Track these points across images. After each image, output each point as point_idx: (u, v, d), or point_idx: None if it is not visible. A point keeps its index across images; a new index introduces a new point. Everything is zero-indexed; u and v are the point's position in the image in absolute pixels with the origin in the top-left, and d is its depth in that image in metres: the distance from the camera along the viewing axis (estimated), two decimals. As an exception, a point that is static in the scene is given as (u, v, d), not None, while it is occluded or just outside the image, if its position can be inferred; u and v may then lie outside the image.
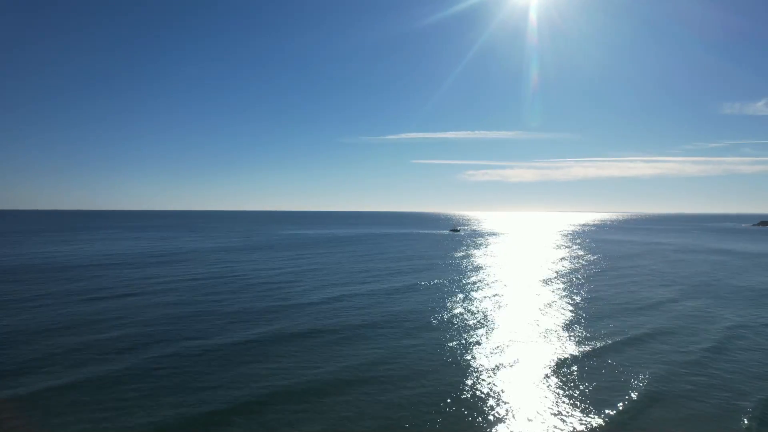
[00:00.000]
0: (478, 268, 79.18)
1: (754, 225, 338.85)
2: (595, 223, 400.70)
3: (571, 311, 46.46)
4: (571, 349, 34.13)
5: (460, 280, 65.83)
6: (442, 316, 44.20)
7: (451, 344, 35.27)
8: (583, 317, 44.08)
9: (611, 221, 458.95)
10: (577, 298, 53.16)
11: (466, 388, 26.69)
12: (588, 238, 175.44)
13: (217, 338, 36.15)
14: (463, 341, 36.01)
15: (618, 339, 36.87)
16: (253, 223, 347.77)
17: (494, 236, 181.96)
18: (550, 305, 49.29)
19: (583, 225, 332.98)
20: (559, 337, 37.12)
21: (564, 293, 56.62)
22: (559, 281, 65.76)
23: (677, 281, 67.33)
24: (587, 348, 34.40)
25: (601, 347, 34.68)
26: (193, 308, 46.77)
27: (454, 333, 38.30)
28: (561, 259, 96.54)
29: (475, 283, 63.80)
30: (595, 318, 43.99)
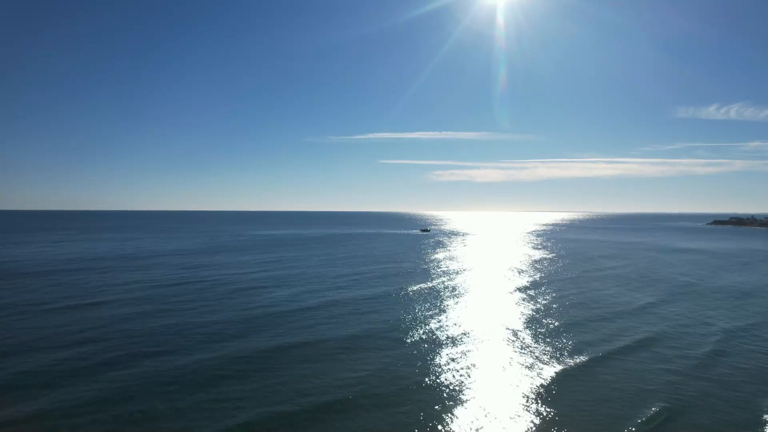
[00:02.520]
0: (453, 272, 78.68)
1: (707, 224, 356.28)
2: (561, 222, 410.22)
3: (553, 318, 45.42)
4: (551, 358, 32.80)
5: (435, 287, 64.96)
6: (421, 328, 40.69)
7: (426, 360, 32.08)
8: (567, 323, 42.59)
9: (576, 220, 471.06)
10: (557, 304, 53.13)
11: (443, 404, 25.04)
12: (556, 237, 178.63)
13: (172, 357, 32.32)
14: (442, 357, 32.81)
15: (604, 346, 35.60)
16: (218, 223, 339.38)
17: (464, 236, 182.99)
18: (529, 311, 48.97)
19: (550, 224, 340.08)
20: (538, 345, 35.62)
21: (543, 298, 56.59)
22: (535, 285, 65.83)
23: (651, 282, 68.55)
24: (570, 357, 32.96)
25: (586, 353, 33.84)
26: (149, 321, 42.51)
27: (430, 348, 35.43)
28: (534, 261, 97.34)
29: (451, 288, 63.10)
30: (580, 323, 42.85)
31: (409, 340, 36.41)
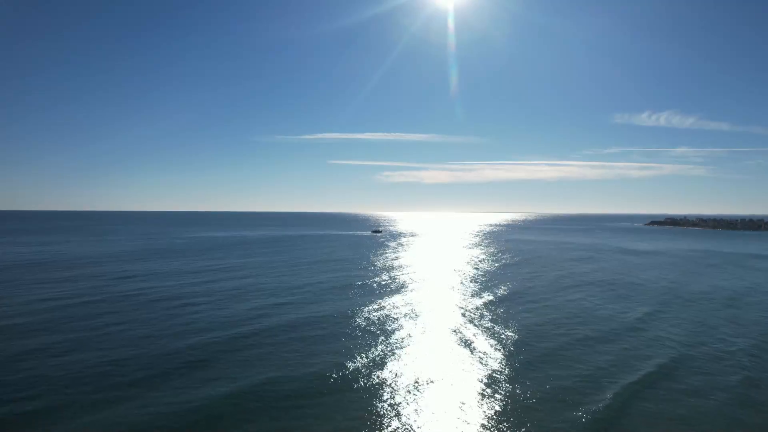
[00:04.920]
0: (407, 276, 71.95)
1: (645, 224, 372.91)
2: (507, 222, 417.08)
3: (504, 321, 40.46)
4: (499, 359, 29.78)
5: (389, 293, 57.86)
6: (383, 338, 35.86)
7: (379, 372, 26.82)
8: (513, 323, 39.31)
9: (522, 221, 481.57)
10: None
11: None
12: (510, 239, 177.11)
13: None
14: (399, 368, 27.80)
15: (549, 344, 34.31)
16: (155, 225, 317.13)
17: (414, 237, 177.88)
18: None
19: (499, 225, 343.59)
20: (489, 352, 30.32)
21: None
22: (488, 288, 60.10)
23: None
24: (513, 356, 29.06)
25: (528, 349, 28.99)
26: (64, 338, 34.06)
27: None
28: (499, 267, 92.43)
29: (405, 292, 56.26)
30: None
31: (361, 381, 29.05)
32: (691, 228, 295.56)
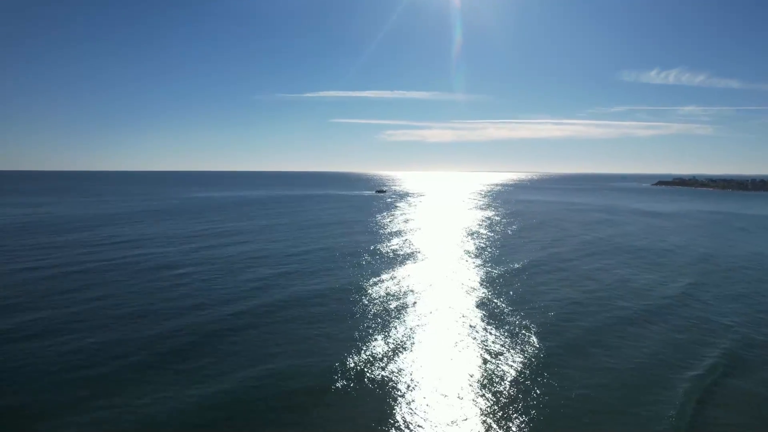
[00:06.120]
0: (419, 242, 66.95)
1: (653, 184, 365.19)
2: (512, 182, 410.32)
3: (520, 291, 35.46)
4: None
5: (402, 261, 52.88)
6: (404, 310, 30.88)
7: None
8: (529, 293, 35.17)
9: (526, 181, 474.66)
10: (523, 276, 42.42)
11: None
12: (512, 199, 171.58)
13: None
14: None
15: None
16: (154, 184, 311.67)
17: (421, 197, 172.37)
18: (502, 286, 37.90)
19: (502, 185, 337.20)
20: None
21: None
22: (509, 255, 54.99)
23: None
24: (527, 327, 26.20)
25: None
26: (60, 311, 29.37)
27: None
28: (500, 225, 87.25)
29: (418, 260, 51.23)
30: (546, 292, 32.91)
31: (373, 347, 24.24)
32: (700, 188, 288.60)
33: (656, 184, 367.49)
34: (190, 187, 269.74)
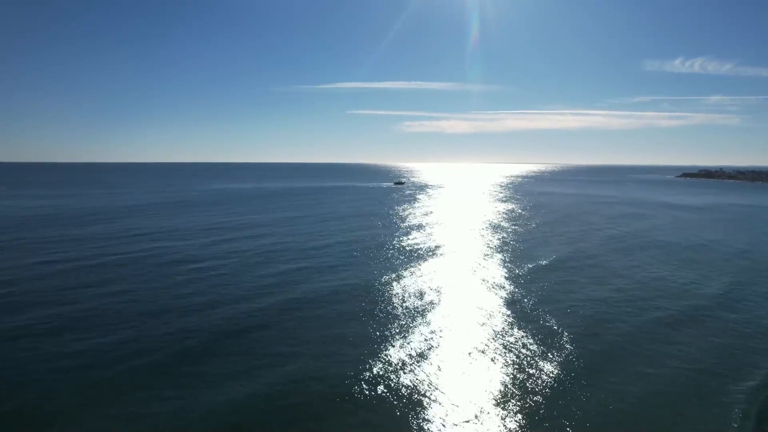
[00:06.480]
0: (442, 236, 65.17)
1: (677, 176, 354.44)
2: (532, 174, 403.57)
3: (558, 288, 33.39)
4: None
5: (425, 257, 51.22)
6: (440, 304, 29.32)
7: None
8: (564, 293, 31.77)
9: (546, 172, 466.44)
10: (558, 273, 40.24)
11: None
12: (534, 191, 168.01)
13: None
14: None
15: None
16: (173, 176, 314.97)
17: (440, 189, 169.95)
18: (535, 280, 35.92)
19: (521, 176, 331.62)
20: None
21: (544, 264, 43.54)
22: (536, 250, 52.82)
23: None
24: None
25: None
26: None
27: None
28: (524, 219, 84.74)
29: (442, 255, 49.48)
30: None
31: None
32: (728, 181, 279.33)
33: (681, 176, 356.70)
34: (208, 178, 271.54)
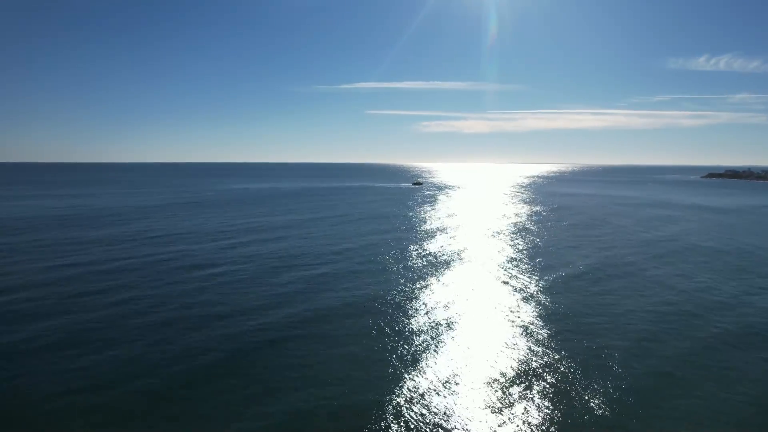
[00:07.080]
0: (466, 241, 62.57)
1: (702, 177, 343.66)
2: (552, 174, 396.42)
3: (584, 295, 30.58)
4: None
5: (451, 263, 48.75)
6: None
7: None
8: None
9: (567, 173, 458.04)
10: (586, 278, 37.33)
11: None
12: (557, 192, 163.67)
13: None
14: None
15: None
16: (192, 176, 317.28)
17: (460, 190, 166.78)
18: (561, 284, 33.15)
19: (542, 177, 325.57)
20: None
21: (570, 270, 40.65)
22: (566, 256, 49.89)
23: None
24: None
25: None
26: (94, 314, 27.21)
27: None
28: (550, 222, 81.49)
29: (467, 262, 46.92)
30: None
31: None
32: (756, 181, 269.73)
33: (706, 176, 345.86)
34: (227, 178, 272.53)
